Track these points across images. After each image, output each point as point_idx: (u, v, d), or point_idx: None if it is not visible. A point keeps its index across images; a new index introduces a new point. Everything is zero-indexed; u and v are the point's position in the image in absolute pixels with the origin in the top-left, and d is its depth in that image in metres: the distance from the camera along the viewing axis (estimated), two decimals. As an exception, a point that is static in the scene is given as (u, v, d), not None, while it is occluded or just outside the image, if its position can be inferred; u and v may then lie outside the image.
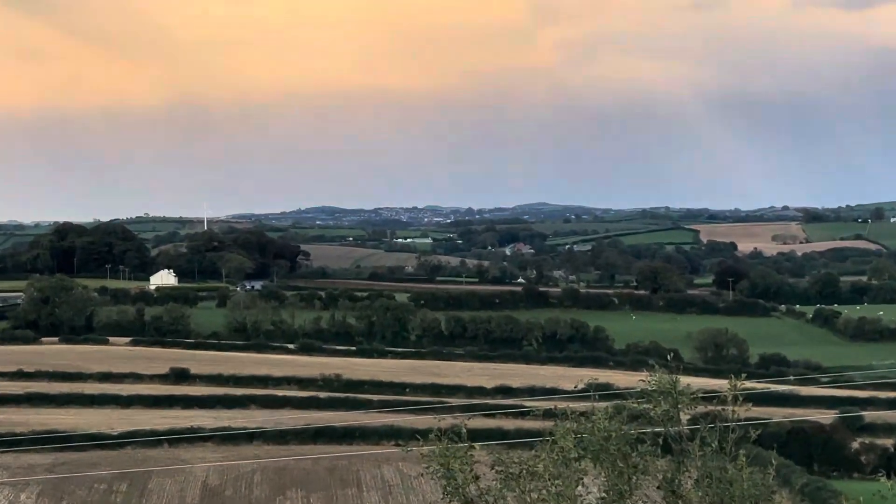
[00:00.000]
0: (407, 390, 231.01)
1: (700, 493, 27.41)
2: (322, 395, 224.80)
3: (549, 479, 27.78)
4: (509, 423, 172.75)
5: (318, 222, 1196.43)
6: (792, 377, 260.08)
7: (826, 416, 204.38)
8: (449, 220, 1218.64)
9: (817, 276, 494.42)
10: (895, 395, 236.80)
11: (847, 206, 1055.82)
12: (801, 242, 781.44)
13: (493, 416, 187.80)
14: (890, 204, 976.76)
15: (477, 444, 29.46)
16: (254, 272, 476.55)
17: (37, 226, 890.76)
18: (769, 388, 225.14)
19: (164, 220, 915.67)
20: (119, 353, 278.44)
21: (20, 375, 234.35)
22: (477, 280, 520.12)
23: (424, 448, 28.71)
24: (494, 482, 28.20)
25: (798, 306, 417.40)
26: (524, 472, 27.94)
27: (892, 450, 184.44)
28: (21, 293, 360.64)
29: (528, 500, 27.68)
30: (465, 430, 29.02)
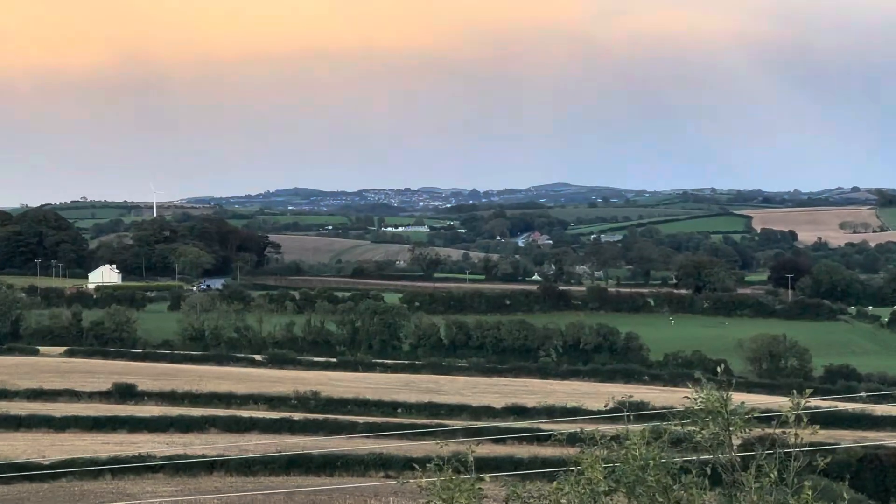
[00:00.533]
0: (399, 411, 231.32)
1: None
2: (296, 416, 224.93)
3: None
4: (523, 450, 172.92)
5: (290, 207, 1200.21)
6: (864, 393, 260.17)
7: None
8: (449, 205, 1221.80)
9: (894, 272, 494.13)
10: None
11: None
12: (874, 231, 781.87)
13: (503, 441, 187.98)
14: None
15: (486, 476, 29.58)
16: (213, 268, 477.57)
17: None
18: (837, 407, 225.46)
19: (106, 206, 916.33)
20: (52, 366, 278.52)
21: None
22: (483, 277, 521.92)
23: (423, 480, 28.81)
24: None
25: (871, 308, 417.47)
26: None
27: None
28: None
29: None
30: (471, 459, 29.15)
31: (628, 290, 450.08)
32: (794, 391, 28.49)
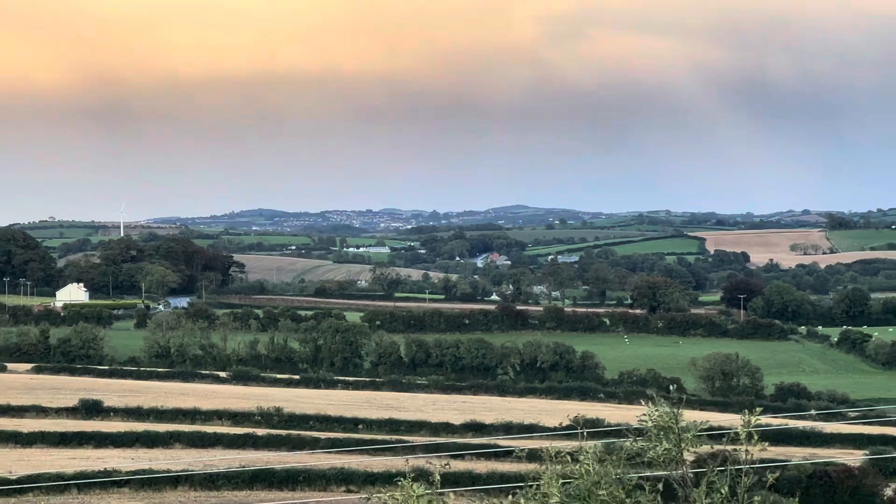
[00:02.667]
0: (360, 427, 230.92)
1: None
2: (260, 431, 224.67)
3: None
4: (481, 466, 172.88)
5: (254, 228, 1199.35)
6: (814, 412, 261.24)
7: (854, 458, 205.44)
8: (409, 226, 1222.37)
9: (844, 293, 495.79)
10: None
11: (879, 210, 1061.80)
12: (824, 253, 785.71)
13: (461, 457, 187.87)
14: None
15: (450, 492, 29.55)
16: (179, 287, 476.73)
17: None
18: (787, 425, 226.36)
19: (73, 226, 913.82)
20: (19, 383, 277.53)
21: None
22: (443, 297, 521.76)
23: (385, 495, 28.72)
24: None
25: (821, 328, 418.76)
26: None
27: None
28: None
29: None
30: (438, 476, 29.07)
31: (584, 309, 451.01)
32: (746, 409, 28.92)
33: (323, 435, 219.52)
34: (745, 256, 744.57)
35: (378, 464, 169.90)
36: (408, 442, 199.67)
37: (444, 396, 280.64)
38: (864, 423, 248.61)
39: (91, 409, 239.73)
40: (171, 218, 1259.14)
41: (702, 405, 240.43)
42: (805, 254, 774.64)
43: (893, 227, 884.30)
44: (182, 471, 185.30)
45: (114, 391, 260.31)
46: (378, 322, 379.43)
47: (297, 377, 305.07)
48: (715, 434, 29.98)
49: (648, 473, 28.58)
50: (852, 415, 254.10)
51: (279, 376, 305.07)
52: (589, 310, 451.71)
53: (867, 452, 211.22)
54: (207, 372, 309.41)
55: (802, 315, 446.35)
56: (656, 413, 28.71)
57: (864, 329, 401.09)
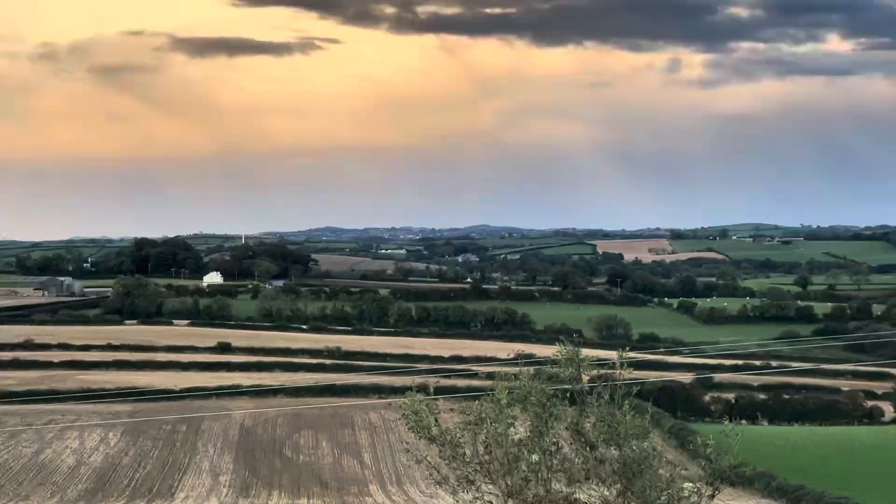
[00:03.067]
0: (387, 358, 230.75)
1: (596, 433, 27.53)
2: (327, 362, 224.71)
3: (489, 423, 27.85)
4: (462, 382, 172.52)
5: (323, 238, 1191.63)
6: (662, 349, 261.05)
7: (686, 377, 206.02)
8: (418, 237, 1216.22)
9: (680, 278, 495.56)
10: (735, 362, 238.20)
11: (702, 227, 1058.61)
12: (669, 254, 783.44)
13: (449, 377, 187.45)
14: (733, 226, 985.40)
15: (440, 398, 29.59)
16: (277, 274, 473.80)
17: (122, 240, 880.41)
18: (646, 357, 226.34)
19: (214, 237, 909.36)
20: (180, 332, 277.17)
21: (109, 348, 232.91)
22: (437, 280, 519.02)
23: (400, 400, 28.75)
24: (453, 425, 28.24)
25: (666, 299, 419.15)
26: (476, 418, 28.04)
27: (733, 401, 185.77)
28: (110, 289, 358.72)
29: (479, 438, 27.78)
30: (432, 389, 29.07)
31: (523, 287, 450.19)
32: (620, 348, 29.32)
33: (365, 363, 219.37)
34: (621, 256, 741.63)
35: (397, 380, 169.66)
36: (416, 367, 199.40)
37: (438, 340, 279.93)
38: (693, 357, 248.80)
39: (224, 348, 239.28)
40: (273, 232, 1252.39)
41: (593, 346, 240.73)
42: (657, 254, 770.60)
43: (710, 237, 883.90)
44: (279, 385, 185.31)
45: (238, 337, 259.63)
46: (398, 295, 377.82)
47: (349, 328, 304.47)
48: (601, 363, 29.89)
49: (561, 387, 28.49)
50: (685, 351, 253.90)
51: (338, 328, 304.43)
52: (526, 288, 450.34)
53: (694, 374, 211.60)
54: (295, 325, 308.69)
55: (656, 291, 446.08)
56: (566, 350, 28.67)
57: (693, 300, 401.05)
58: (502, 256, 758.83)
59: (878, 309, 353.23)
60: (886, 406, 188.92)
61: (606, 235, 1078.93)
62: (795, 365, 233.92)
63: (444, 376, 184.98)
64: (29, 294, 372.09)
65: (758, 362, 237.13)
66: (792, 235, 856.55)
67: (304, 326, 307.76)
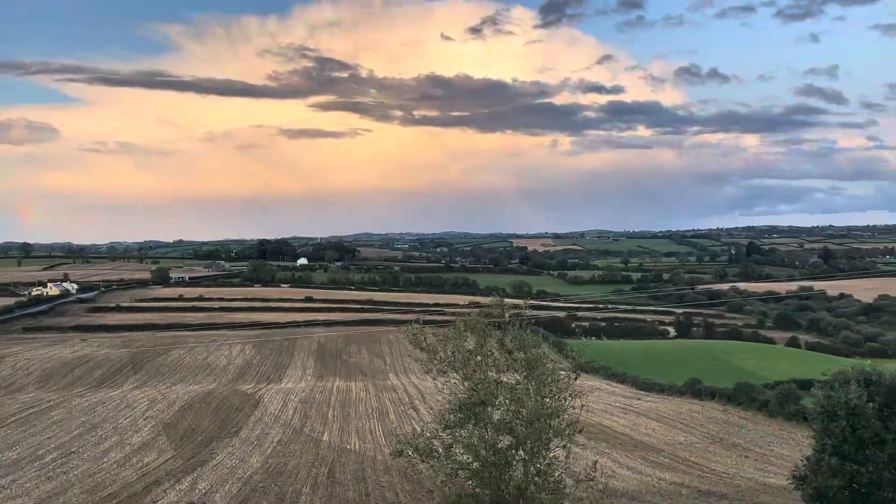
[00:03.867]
0: (398, 305, 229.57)
1: (512, 344, 27.68)
2: (365, 306, 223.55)
3: (453, 340, 27.94)
4: (439, 318, 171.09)
5: (362, 238, 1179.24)
6: (549, 299, 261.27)
7: (562, 314, 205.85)
8: (415, 238, 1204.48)
9: (559, 260, 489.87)
10: (588, 305, 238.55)
11: (570, 231, 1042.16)
12: (552, 247, 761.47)
13: (432, 314, 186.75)
14: (588, 231, 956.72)
15: (426, 327, 29.66)
16: (337, 258, 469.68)
17: (251, 240, 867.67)
18: (540, 303, 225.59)
19: (302, 238, 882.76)
20: (284, 291, 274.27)
21: (245, 300, 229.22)
22: (426, 262, 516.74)
23: (407, 328, 28.81)
24: (434, 341, 28.32)
25: (551, 272, 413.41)
26: (445, 336, 28.10)
27: (587, 326, 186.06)
28: (245, 267, 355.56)
29: (448, 348, 27.82)
30: (421, 321, 29.20)
31: (472, 266, 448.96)
32: (524, 299, 29.45)
33: (386, 308, 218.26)
34: (526, 248, 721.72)
35: (404, 317, 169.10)
36: (413, 310, 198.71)
37: (426, 295, 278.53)
38: (566, 303, 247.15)
39: (308, 299, 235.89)
40: (335, 235, 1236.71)
41: (511, 297, 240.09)
42: (546, 247, 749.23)
43: (575, 238, 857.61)
44: (338, 321, 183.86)
45: (317, 294, 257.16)
46: (404, 270, 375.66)
47: (377, 288, 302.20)
48: (515, 307, 29.93)
49: (493, 320, 28.51)
50: (561, 300, 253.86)
51: (371, 288, 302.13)
52: (473, 266, 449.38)
53: (566, 313, 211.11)
54: (347, 287, 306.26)
55: (545, 267, 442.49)
56: (496, 300, 28.64)
57: (565, 271, 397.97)
58: (462, 249, 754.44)
59: (666, 276, 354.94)
60: (671, 329, 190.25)
61: (519, 236, 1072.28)
62: (622, 307, 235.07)
63: (429, 314, 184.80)
64: (200, 270, 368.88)
65: (601, 305, 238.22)
66: (619, 236, 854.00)
67: (352, 287, 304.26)
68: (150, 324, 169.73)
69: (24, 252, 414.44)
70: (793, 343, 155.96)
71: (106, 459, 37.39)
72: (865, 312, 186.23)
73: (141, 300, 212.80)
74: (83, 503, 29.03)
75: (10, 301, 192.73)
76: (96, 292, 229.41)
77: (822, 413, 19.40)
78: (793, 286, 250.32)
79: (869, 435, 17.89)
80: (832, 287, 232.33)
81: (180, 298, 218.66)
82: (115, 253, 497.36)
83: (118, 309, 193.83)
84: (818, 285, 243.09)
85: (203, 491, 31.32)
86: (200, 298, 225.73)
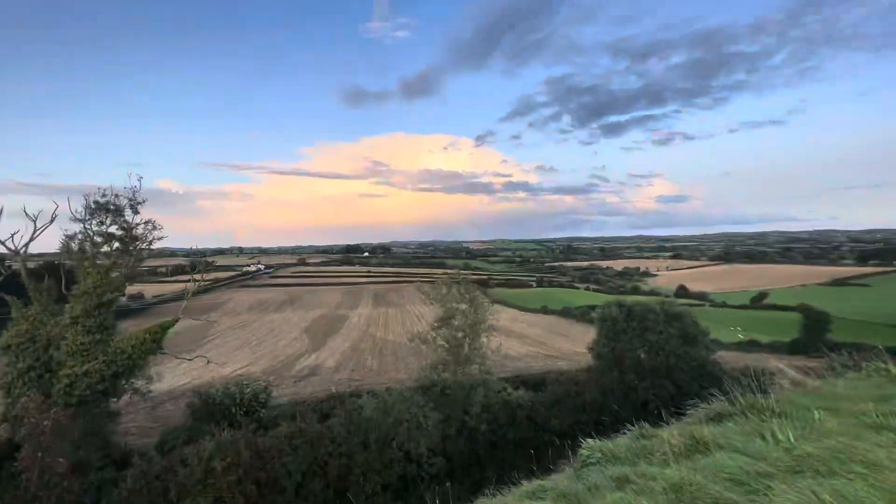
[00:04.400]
0: (410, 275, 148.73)
1: (464, 291, 24.37)
2: (397, 274, 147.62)
3: (437, 290, 24.57)
4: (432, 280, 70.66)
5: (395, 243, 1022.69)
6: (480, 271, 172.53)
7: (486, 277, 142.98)
8: (417, 244, 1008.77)
9: (510, 256, 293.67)
10: (499, 273, 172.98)
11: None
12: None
13: (430, 278, 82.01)
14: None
15: (426, 285, 25.81)
16: (382, 252, 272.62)
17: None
18: (476, 273, 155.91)
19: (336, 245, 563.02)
20: (353, 270, 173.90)
21: (338, 275, 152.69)
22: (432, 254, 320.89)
23: (416, 285, 28.35)
24: (429, 290, 24.60)
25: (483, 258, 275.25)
26: (433, 288, 24.34)
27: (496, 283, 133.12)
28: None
29: (434, 294, 23.87)
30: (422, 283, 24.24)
31: (448, 256, 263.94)
32: (468, 271, 33.26)
33: (406, 276, 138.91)
34: (470, 248, 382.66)
35: (416, 281, 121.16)
36: (417, 276, 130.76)
37: (426, 269, 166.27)
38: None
39: (368, 273, 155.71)
40: (381, 243, 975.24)
41: (463, 270, 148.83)
42: (479, 248, 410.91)
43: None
44: (384, 281, 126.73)
45: (375, 271, 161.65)
46: (414, 256, 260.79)
47: (395, 269, 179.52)
48: (464, 275, 26.62)
49: (455, 280, 25.25)
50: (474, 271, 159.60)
51: (389, 269, 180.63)
52: (448, 255, 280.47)
53: (488, 277, 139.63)
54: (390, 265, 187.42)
55: (479, 256, 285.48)
56: (456, 272, 28.10)
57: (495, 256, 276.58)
58: (445, 248, 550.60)
59: (532, 260, 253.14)
60: (534, 283, 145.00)
61: (468, 242, 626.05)
62: (515, 274, 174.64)
63: (426, 279, 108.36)
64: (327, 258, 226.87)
65: (505, 273, 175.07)
66: (513, 242, 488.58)
67: (374, 262, 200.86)
68: (296, 284, 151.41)
69: (239, 251, 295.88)
70: (587, 289, 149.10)
71: (278, 345, 46.48)
72: (630, 276, 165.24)
73: (294, 273, 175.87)
74: (268, 363, 38.42)
75: (232, 274, 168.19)
76: (273, 269, 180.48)
77: (600, 319, 23.24)
78: (584, 264, 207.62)
79: (619, 329, 22.48)
80: (609, 263, 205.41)
81: (315, 273, 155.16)
82: (272, 250, 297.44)
83: (281, 276, 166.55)
84: (603, 264, 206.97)
85: (322, 360, 39.11)
86: (323, 273, 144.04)
